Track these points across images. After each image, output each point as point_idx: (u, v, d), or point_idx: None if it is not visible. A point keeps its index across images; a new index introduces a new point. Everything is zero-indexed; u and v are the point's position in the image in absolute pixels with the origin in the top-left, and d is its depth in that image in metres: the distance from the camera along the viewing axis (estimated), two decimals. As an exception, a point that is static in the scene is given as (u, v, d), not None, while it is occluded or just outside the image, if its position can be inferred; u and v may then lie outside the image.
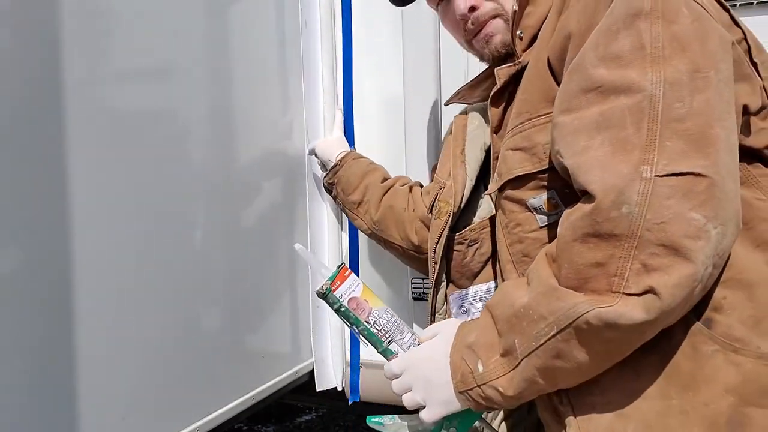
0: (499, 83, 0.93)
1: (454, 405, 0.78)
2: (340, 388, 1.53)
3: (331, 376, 1.51)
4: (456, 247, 1.08)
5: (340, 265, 0.89)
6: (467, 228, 1.08)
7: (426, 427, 0.83)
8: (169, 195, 1.04)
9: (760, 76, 0.77)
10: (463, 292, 1.08)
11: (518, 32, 0.91)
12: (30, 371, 0.81)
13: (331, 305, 0.87)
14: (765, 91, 0.78)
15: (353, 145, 1.47)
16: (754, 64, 0.77)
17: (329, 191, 1.40)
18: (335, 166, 1.35)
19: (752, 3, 1.18)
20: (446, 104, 1.25)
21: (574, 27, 0.77)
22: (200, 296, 1.12)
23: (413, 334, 0.88)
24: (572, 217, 0.69)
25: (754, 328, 0.71)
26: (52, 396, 0.83)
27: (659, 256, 0.63)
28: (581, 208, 0.68)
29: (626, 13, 0.70)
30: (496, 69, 0.94)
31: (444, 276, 1.10)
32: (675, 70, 0.66)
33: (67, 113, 0.85)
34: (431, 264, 1.10)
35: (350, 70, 1.51)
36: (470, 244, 1.07)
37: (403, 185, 1.30)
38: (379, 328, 0.86)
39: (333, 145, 1.40)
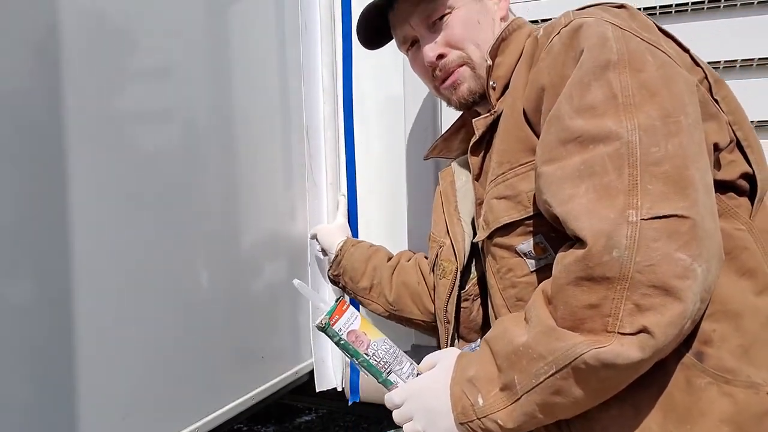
0: (477, 134, 0.97)
1: None
2: (339, 389, 1.53)
3: (330, 377, 1.52)
4: (463, 305, 1.07)
5: (338, 299, 0.91)
6: (470, 284, 1.07)
7: None
8: (169, 195, 1.04)
9: (722, 110, 0.80)
10: (473, 345, 1.06)
11: (491, 83, 0.95)
12: (30, 371, 0.81)
13: (330, 338, 0.89)
14: (730, 126, 0.80)
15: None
16: (716, 101, 0.80)
17: (336, 283, 1.40)
18: (336, 256, 1.36)
19: (753, 3, 1.18)
20: (425, 159, 1.24)
21: (546, 80, 0.80)
22: (200, 296, 1.12)
23: (412, 363, 0.91)
24: (566, 261, 0.71)
25: (743, 357, 0.73)
26: (52, 396, 0.83)
27: (651, 296, 0.65)
28: (574, 253, 0.70)
29: (595, 65, 0.73)
30: (474, 120, 0.97)
31: (455, 335, 1.09)
32: (647, 116, 0.69)
33: (67, 114, 0.85)
34: (443, 325, 1.08)
35: (350, 71, 1.51)
36: (474, 298, 1.07)
37: (408, 260, 1.30)
38: (378, 360, 0.88)
39: (334, 234, 1.41)
